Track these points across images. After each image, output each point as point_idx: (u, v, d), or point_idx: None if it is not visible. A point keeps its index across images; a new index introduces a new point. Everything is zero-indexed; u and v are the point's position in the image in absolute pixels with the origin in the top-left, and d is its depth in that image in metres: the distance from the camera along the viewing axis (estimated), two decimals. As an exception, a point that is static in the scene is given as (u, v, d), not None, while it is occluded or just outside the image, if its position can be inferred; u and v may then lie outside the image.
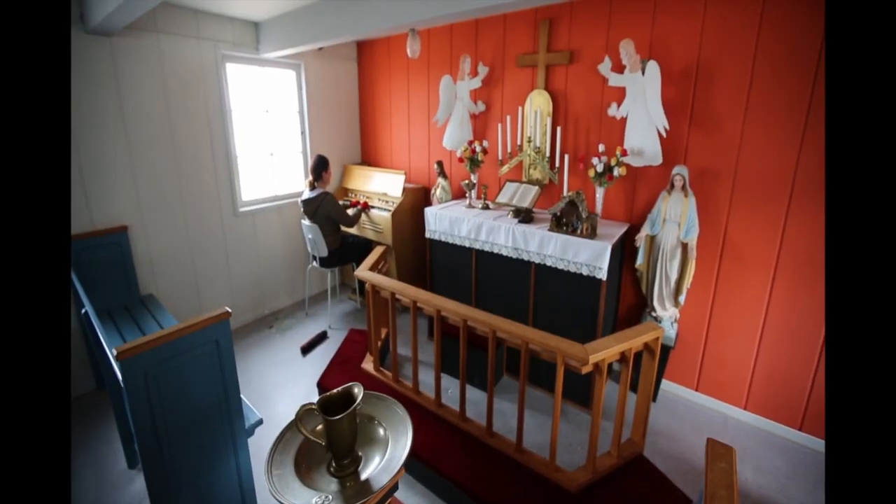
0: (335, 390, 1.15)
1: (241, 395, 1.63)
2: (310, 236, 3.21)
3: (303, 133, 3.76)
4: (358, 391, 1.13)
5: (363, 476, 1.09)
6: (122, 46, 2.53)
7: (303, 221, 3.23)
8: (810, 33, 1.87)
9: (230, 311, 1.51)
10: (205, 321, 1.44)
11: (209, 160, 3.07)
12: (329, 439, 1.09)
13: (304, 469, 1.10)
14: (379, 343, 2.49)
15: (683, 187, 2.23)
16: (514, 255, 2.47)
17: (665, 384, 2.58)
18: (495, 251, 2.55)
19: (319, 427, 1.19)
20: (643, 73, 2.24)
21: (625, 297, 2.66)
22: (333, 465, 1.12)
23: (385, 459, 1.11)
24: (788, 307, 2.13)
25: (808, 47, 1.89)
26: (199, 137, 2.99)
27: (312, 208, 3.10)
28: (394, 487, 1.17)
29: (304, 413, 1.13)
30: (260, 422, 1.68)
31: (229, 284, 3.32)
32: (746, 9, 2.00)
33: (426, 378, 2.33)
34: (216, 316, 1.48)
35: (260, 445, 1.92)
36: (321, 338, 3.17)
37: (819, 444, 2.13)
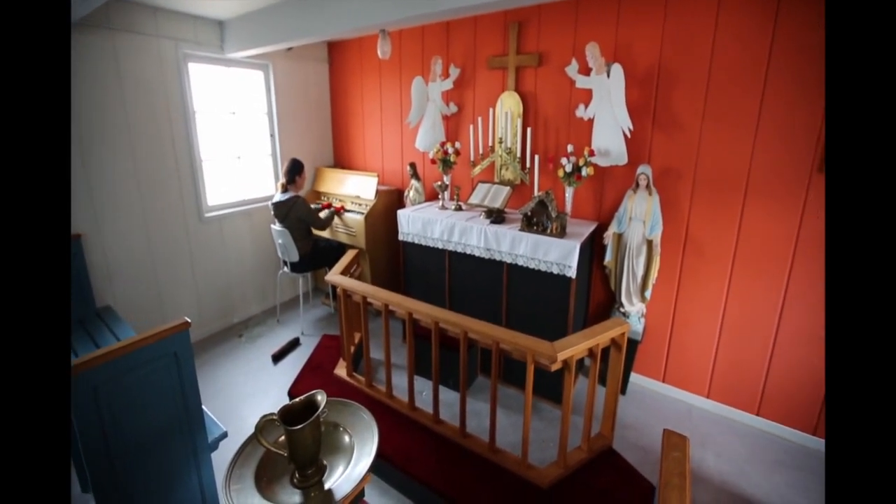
0: (297, 399, 1.12)
1: (204, 408, 1.57)
2: (280, 241, 3.13)
3: (272, 135, 3.67)
4: (321, 399, 1.11)
5: (327, 485, 1.07)
6: (72, 44, 2.39)
7: (272, 226, 3.15)
8: (761, 40, 1.98)
9: (189, 320, 1.44)
10: (162, 332, 1.38)
11: (172, 164, 2.94)
12: (291, 450, 1.06)
13: (265, 482, 1.06)
14: (352, 348, 2.45)
15: (648, 186, 2.30)
16: (486, 255, 2.49)
17: (634, 377, 2.66)
18: (468, 252, 2.56)
19: (282, 438, 1.16)
20: (608, 75, 2.30)
21: (595, 294, 2.72)
22: (297, 475, 1.09)
23: (350, 466, 1.09)
24: (745, 298, 2.23)
25: (758, 53, 1.99)
26: (161, 140, 2.86)
27: (283, 212, 3.03)
28: (360, 494, 1.15)
29: (265, 424, 1.10)
30: (224, 435, 1.62)
31: (195, 293, 3.19)
32: (703, 17, 2.10)
33: (401, 382, 2.31)
34: (174, 326, 1.42)
35: (225, 459, 1.84)
36: (293, 345, 3.10)
37: (775, 427, 2.25)
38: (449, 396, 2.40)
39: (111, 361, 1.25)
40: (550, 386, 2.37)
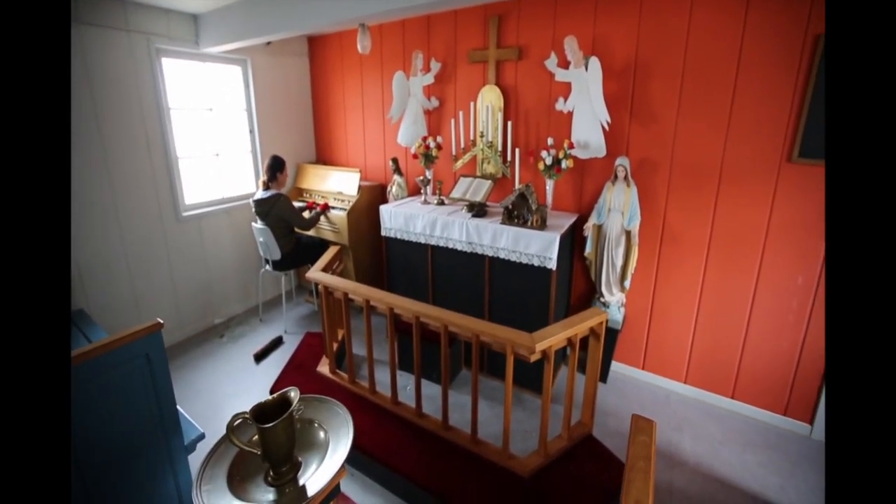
0: (271, 397, 1.12)
1: (181, 410, 1.55)
2: (261, 239, 3.08)
3: (251, 132, 3.60)
4: (294, 395, 1.10)
5: (302, 481, 1.07)
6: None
7: (253, 224, 3.10)
8: (732, 34, 2.02)
9: (161, 321, 1.42)
10: (131, 335, 1.35)
11: (146, 162, 2.86)
12: (265, 448, 1.06)
13: (238, 481, 1.05)
14: (335, 345, 2.44)
15: (626, 177, 2.33)
16: (468, 249, 2.49)
17: (615, 365, 2.71)
18: (450, 246, 2.56)
19: (256, 437, 1.15)
20: (586, 68, 2.32)
21: (576, 285, 2.76)
22: (271, 473, 1.09)
23: (324, 462, 1.09)
24: (719, 286, 2.29)
25: (729, 46, 2.03)
26: (134, 138, 2.78)
27: (265, 210, 2.98)
28: (336, 489, 1.15)
29: (238, 423, 1.09)
30: (202, 436, 1.59)
31: (173, 294, 3.13)
32: (677, 11, 2.13)
33: (384, 377, 2.31)
34: (146, 328, 1.39)
35: (207, 460, 1.83)
36: (276, 344, 3.07)
37: (748, 409, 2.32)
38: (433, 390, 2.41)
39: (77, 366, 1.22)
40: (533, 377, 2.40)
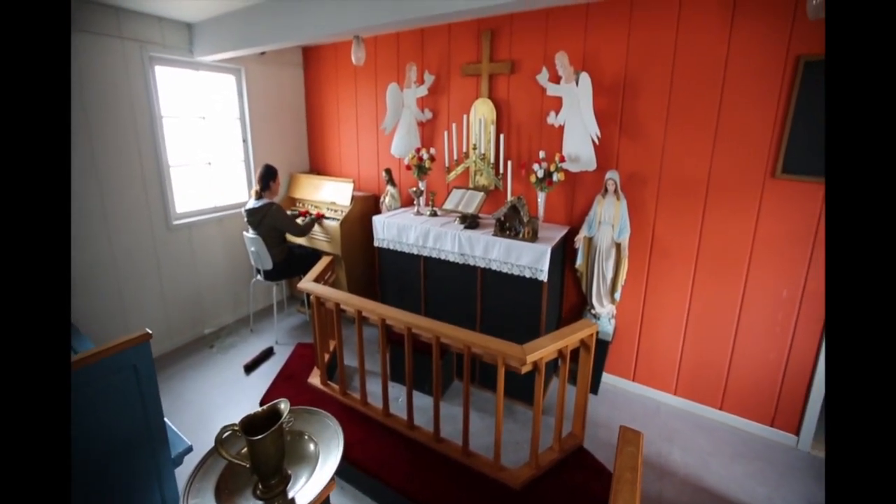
0: (261, 408, 1.11)
1: (168, 423, 1.52)
2: (252, 249, 3.07)
3: (244, 141, 3.60)
4: (284, 407, 1.10)
5: (291, 494, 1.06)
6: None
7: (245, 233, 3.08)
8: (717, 50, 2.10)
9: (150, 332, 1.40)
10: (119, 345, 1.34)
11: (137, 170, 2.85)
12: (254, 460, 1.05)
13: (226, 495, 1.04)
14: (326, 356, 2.42)
15: (616, 191, 2.38)
16: (460, 260, 2.51)
17: (605, 377, 2.72)
18: (443, 257, 2.58)
19: (245, 450, 1.14)
20: (577, 83, 2.38)
21: (568, 296, 2.79)
22: (260, 486, 1.07)
23: (314, 474, 1.08)
24: (707, 297, 2.34)
25: (715, 63, 2.11)
26: (125, 145, 2.77)
27: (257, 219, 2.97)
28: (325, 502, 1.14)
29: (227, 435, 1.08)
30: (189, 449, 1.57)
31: (163, 304, 3.09)
32: (664, 29, 2.21)
33: (376, 389, 2.29)
34: (133, 338, 1.38)
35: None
36: (267, 354, 3.03)
37: (736, 421, 2.35)
38: (425, 402, 2.39)
39: (63, 376, 1.20)
40: (524, 388, 2.40)
